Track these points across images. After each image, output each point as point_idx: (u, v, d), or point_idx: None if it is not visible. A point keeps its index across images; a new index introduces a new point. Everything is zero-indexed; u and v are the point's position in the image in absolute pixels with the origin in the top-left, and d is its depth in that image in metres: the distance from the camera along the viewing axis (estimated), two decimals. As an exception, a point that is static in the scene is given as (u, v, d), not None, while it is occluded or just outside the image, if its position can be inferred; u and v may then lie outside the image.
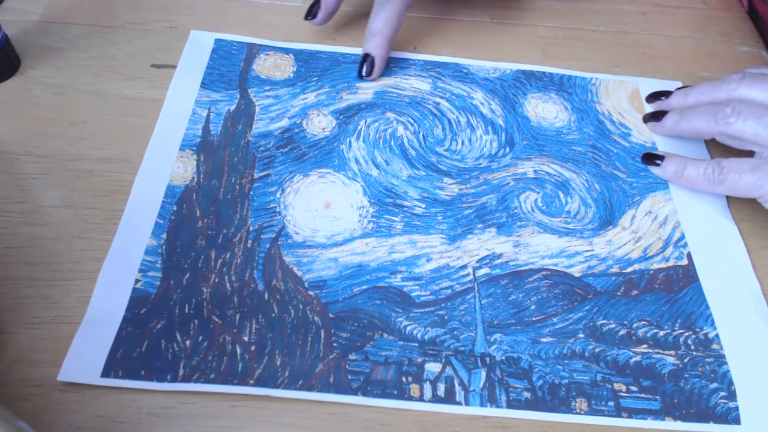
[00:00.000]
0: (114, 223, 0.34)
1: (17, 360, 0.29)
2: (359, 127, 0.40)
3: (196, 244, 0.34)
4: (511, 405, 0.30)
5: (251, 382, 0.29)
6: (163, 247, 0.33)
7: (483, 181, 0.38)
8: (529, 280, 0.34)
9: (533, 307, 0.33)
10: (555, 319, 0.33)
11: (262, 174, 0.37)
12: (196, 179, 0.36)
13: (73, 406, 0.28)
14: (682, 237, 0.37)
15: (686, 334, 0.33)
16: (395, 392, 0.30)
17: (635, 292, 0.34)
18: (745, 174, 0.35)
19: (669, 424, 0.30)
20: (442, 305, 0.33)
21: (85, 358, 0.29)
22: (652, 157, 0.39)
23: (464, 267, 0.34)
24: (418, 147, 0.40)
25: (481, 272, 0.34)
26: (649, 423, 0.30)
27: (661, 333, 0.33)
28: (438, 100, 0.42)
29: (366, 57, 0.42)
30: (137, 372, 0.29)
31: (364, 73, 0.42)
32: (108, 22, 0.44)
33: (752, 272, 0.35)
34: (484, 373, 0.31)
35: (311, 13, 0.43)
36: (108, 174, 0.36)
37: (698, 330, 0.33)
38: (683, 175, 0.38)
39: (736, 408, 0.30)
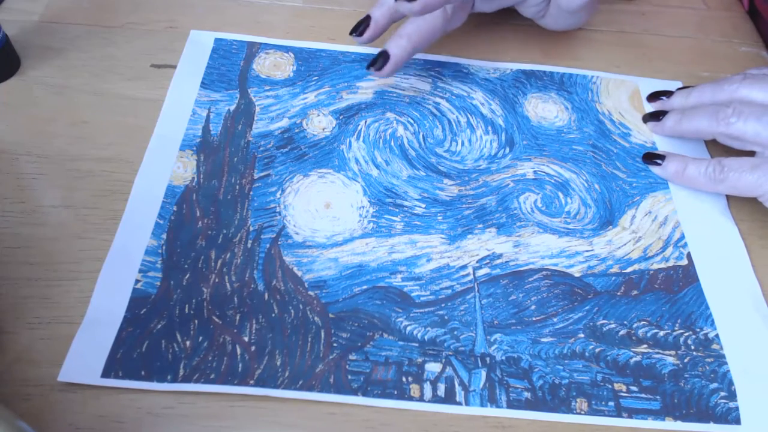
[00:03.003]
0: (114, 223, 0.34)
1: (17, 360, 0.29)
2: (359, 128, 0.40)
3: (196, 244, 0.34)
4: (511, 405, 0.30)
5: (251, 382, 0.29)
6: (163, 247, 0.33)
7: (482, 183, 0.38)
8: (529, 280, 0.34)
9: (533, 307, 0.33)
10: (555, 319, 0.33)
11: (262, 174, 0.37)
12: (196, 179, 0.36)
13: (73, 406, 0.28)
14: (682, 237, 0.37)
15: (686, 334, 0.33)
16: (395, 392, 0.30)
17: (635, 292, 0.34)
18: (746, 173, 0.35)
19: (669, 424, 0.30)
20: (442, 305, 0.33)
21: (85, 358, 0.29)
22: (652, 157, 0.39)
23: (464, 267, 0.34)
24: (418, 148, 0.40)
25: (481, 272, 0.34)
26: (650, 423, 0.30)
27: (661, 333, 0.33)
28: (438, 100, 0.42)
29: (382, 53, 0.39)
30: (137, 372, 0.29)
31: (374, 67, 0.39)
32: (108, 22, 0.44)
33: (752, 272, 0.35)
34: (484, 373, 0.31)
35: (357, 31, 0.40)
36: (108, 174, 0.36)
37: (698, 330, 0.33)
38: (684, 174, 0.38)
39: (736, 408, 0.30)
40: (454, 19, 0.40)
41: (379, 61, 0.39)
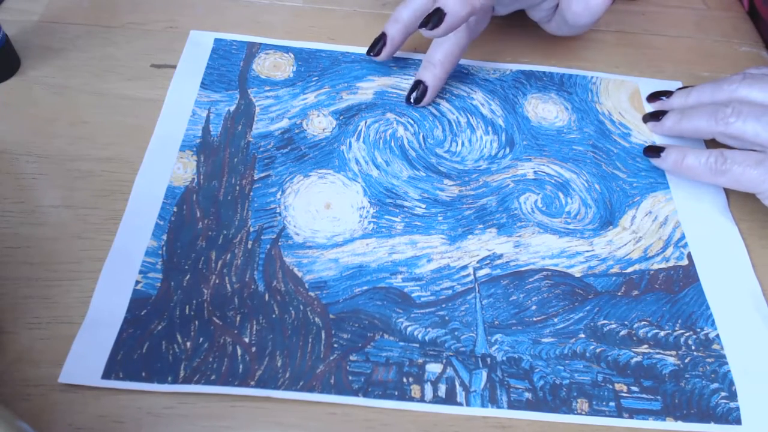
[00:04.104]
0: (114, 224, 0.34)
1: (17, 360, 0.29)
2: (359, 128, 0.40)
3: (197, 245, 0.33)
4: (512, 405, 0.30)
5: (252, 383, 0.29)
6: (164, 248, 0.33)
7: (483, 183, 0.38)
8: (530, 280, 0.34)
9: (534, 307, 0.33)
10: (556, 320, 0.33)
11: (262, 175, 0.37)
12: (196, 180, 0.36)
13: (73, 406, 0.28)
14: (683, 237, 0.37)
15: (687, 334, 0.33)
16: (396, 393, 0.30)
17: (636, 292, 0.34)
18: (750, 167, 0.35)
19: (670, 424, 0.30)
20: (443, 306, 0.33)
21: (86, 359, 0.29)
22: (653, 150, 0.39)
23: (465, 267, 0.34)
24: (418, 148, 0.40)
25: (481, 273, 0.34)
26: (650, 423, 0.30)
27: (662, 333, 0.33)
28: (438, 100, 0.42)
29: (419, 84, 0.40)
30: (138, 374, 0.29)
31: (413, 100, 0.41)
32: (108, 22, 0.44)
33: (752, 272, 0.35)
34: (485, 374, 0.31)
35: (374, 50, 0.41)
36: (108, 174, 0.36)
37: (699, 330, 0.33)
38: (683, 163, 0.37)
39: (737, 408, 0.30)
40: (477, 28, 0.41)
41: (416, 92, 0.40)
